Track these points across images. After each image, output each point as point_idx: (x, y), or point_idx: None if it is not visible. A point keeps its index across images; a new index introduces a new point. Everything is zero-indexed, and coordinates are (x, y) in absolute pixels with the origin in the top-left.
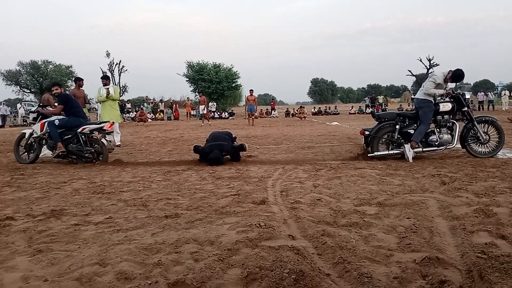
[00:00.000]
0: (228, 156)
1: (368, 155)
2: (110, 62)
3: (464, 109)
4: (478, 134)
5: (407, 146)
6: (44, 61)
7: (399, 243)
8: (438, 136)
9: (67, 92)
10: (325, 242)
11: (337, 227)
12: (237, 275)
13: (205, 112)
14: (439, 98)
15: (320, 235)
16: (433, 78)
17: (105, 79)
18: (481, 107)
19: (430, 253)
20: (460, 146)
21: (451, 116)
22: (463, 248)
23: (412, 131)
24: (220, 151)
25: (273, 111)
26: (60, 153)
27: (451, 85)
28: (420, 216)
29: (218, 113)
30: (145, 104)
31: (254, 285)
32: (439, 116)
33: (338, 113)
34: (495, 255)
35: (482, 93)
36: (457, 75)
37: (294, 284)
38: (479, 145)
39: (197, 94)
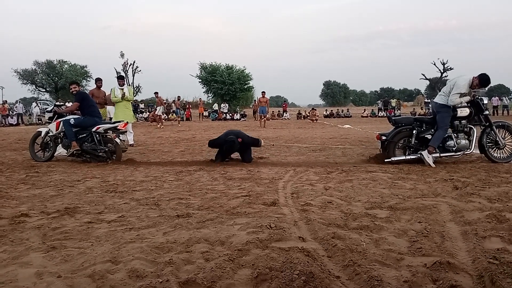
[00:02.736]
0: (240, 157)
1: (385, 160)
2: (124, 62)
3: (486, 113)
4: (497, 139)
5: (424, 153)
6: (59, 60)
7: (410, 247)
8: (456, 142)
9: (85, 91)
10: (335, 245)
11: (347, 230)
12: (247, 275)
13: (160, 113)
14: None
15: (330, 238)
16: (458, 88)
17: (121, 79)
18: (495, 112)
19: (441, 258)
20: (475, 152)
21: (468, 121)
22: (475, 253)
23: (429, 136)
24: (236, 137)
25: (285, 113)
26: (74, 151)
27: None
28: (432, 220)
29: (230, 114)
30: None
31: (264, 286)
32: (456, 121)
33: (351, 116)
34: (507, 261)
35: (497, 97)
36: (484, 80)
37: (303, 285)
38: (496, 150)
39: (209, 95)
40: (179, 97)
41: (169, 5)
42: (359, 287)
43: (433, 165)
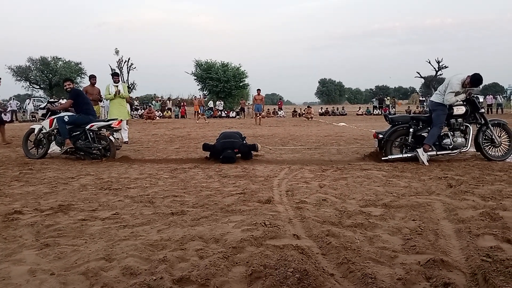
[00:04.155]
0: (239, 154)
1: (382, 158)
2: (119, 59)
3: (481, 111)
4: (493, 137)
5: (419, 151)
6: (53, 57)
7: (404, 245)
8: (452, 140)
9: (79, 88)
10: (329, 242)
11: (342, 228)
12: (241, 273)
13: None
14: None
15: (325, 235)
16: (451, 88)
17: (116, 76)
18: (489, 110)
19: (434, 256)
20: (472, 150)
21: (464, 119)
22: (468, 251)
23: (425, 134)
24: (232, 149)
25: (280, 111)
26: (68, 149)
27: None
28: (426, 218)
29: (226, 112)
30: (154, 101)
31: (258, 283)
32: (452, 120)
33: (346, 114)
34: (500, 259)
35: (491, 96)
36: (476, 80)
37: (298, 283)
38: (492, 148)
39: (204, 92)
40: (204, 94)
41: (165, 2)
42: (353, 285)
43: (426, 164)
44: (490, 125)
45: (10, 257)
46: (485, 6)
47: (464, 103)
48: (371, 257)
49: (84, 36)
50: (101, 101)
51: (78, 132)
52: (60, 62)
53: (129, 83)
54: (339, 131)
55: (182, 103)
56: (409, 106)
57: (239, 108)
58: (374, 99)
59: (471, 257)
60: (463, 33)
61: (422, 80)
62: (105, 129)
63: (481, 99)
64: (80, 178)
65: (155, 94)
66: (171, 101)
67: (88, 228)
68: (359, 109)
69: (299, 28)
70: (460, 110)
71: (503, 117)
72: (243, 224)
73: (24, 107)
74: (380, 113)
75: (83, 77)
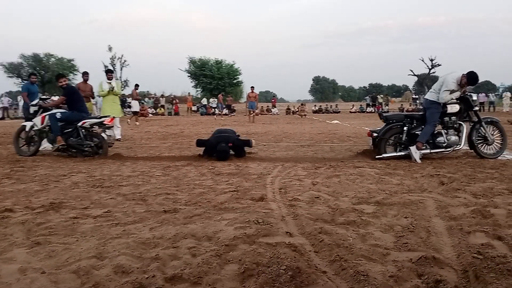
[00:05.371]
0: (232, 152)
1: (376, 157)
2: (112, 56)
3: (475, 109)
4: (486, 135)
5: (412, 148)
6: (46, 54)
7: (396, 242)
8: (446, 138)
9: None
10: (322, 240)
11: (334, 225)
12: (234, 270)
13: (137, 109)
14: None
15: (317, 233)
16: (447, 85)
17: (110, 73)
18: (482, 108)
19: (426, 253)
20: (464, 147)
21: (458, 118)
22: (460, 248)
23: (420, 133)
24: (226, 143)
25: (273, 108)
26: (60, 146)
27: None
28: (418, 215)
29: (219, 109)
30: (146, 99)
31: (250, 281)
32: (446, 118)
33: (339, 112)
34: (491, 256)
35: (483, 94)
36: (472, 79)
37: (290, 280)
38: (485, 146)
39: (198, 89)
40: (223, 94)
41: None
42: (345, 282)
43: (419, 161)
44: (483, 123)
45: (1, 256)
46: (478, 4)
47: (458, 101)
48: (363, 254)
49: (76, 33)
50: (93, 98)
51: (70, 129)
52: (53, 59)
53: (122, 80)
54: (332, 129)
55: (175, 100)
56: (402, 104)
57: (226, 105)
58: (367, 97)
59: (462, 254)
60: (455, 31)
61: (415, 78)
62: (97, 126)
63: (474, 97)
64: (72, 175)
65: (148, 91)
66: (164, 98)
67: (80, 226)
68: (353, 107)
69: (292, 26)
70: (454, 108)
71: (495, 115)
72: (236, 222)
73: (17, 103)
74: (373, 110)
75: (75, 74)
